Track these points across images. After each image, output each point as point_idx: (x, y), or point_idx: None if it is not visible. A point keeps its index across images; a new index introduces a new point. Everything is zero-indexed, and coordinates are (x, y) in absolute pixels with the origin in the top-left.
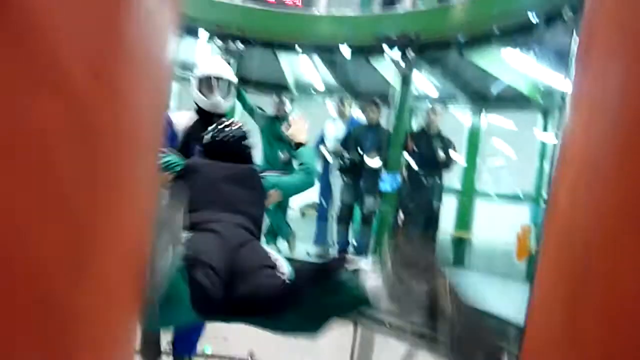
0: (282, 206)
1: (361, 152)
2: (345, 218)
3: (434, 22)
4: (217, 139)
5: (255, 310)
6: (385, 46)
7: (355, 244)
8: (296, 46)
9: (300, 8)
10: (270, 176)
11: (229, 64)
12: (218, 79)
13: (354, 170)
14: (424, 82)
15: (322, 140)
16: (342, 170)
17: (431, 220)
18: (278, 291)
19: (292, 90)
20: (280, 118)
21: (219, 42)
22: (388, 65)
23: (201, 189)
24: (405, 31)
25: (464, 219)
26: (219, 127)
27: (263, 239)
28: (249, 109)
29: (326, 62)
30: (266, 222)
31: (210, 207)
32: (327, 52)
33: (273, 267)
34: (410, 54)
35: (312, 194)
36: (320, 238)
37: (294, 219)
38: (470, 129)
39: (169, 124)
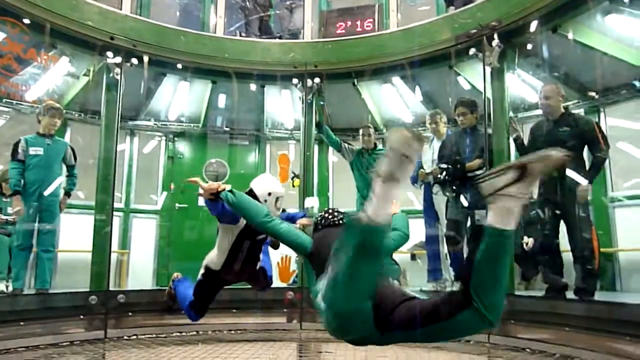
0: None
1: (461, 161)
2: (455, 238)
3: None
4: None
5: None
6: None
7: None
8: None
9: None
10: None
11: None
12: (280, 197)
13: (457, 183)
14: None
15: (420, 166)
16: (443, 184)
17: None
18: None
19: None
20: (368, 150)
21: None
22: (471, 67)
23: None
24: (485, 21)
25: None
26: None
27: None
28: (336, 144)
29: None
30: None
31: None
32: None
33: (412, 297)
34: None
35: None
36: (433, 273)
37: (406, 262)
38: None
39: None
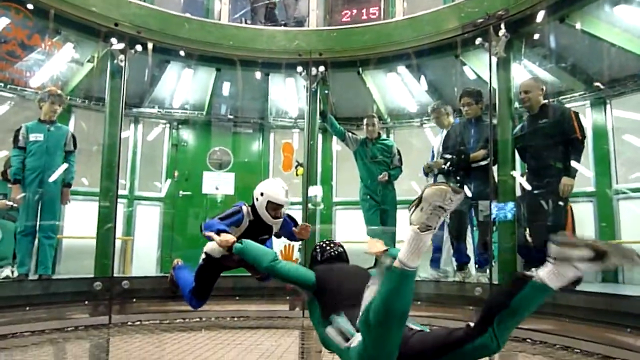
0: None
1: (465, 151)
2: (457, 228)
3: None
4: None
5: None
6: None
7: (476, 257)
8: None
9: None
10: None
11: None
12: (283, 205)
13: (462, 173)
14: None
15: (433, 157)
16: (447, 175)
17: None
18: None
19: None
20: (372, 140)
21: (300, 68)
22: (477, 56)
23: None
24: (491, 10)
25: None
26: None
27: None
28: (340, 134)
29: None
30: None
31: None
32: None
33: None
34: (504, 34)
35: None
36: (436, 262)
37: None
38: (593, 127)
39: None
